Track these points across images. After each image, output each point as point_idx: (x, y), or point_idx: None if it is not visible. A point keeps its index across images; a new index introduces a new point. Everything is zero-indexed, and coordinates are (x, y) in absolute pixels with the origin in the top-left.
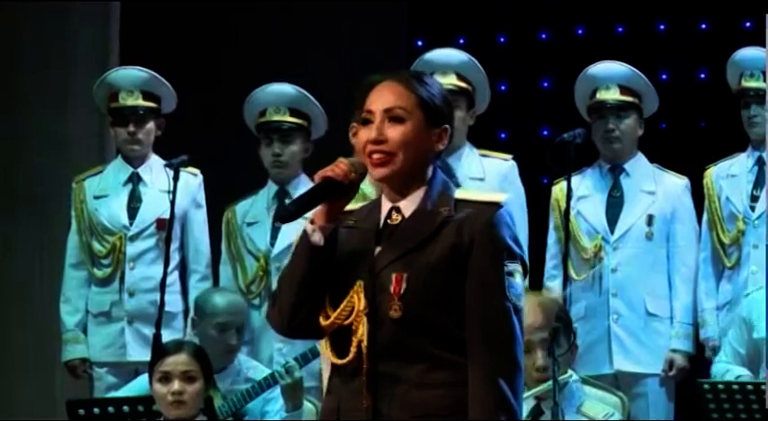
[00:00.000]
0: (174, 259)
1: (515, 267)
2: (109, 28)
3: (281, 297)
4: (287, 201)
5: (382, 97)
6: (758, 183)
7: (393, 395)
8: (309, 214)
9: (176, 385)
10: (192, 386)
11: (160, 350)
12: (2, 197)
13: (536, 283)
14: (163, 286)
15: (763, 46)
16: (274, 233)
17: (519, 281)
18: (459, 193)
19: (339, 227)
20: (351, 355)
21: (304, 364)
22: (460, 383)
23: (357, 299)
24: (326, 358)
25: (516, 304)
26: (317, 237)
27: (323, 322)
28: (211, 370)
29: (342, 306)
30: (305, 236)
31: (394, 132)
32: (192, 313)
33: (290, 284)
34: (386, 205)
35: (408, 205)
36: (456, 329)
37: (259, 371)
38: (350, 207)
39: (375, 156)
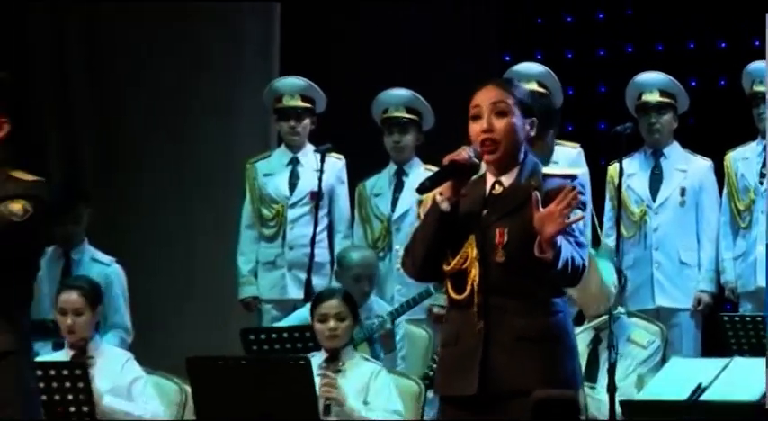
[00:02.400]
0: (323, 222)
1: (580, 213)
2: (272, 29)
3: (413, 251)
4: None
5: (488, 95)
6: (765, 164)
7: (499, 322)
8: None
9: (331, 323)
10: (343, 324)
11: (318, 297)
12: (190, 178)
13: (596, 239)
14: (313, 242)
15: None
16: (394, 202)
17: (580, 223)
18: (545, 169)
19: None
20: (467, 292)
21: (419, 301)
22: (550, 314)
23: (471, 249)
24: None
25: (578, 237)
26: (445, 205)
27: (445, 268)
28: (357, 310)
29: (459, 254)
30: (435, 204)
31: (499, 123)
32: (335, 265)
33: (422, 241)
34: (490, 179)
35: (507, 179)
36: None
37: (383, 305)
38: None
39: (486, 142)
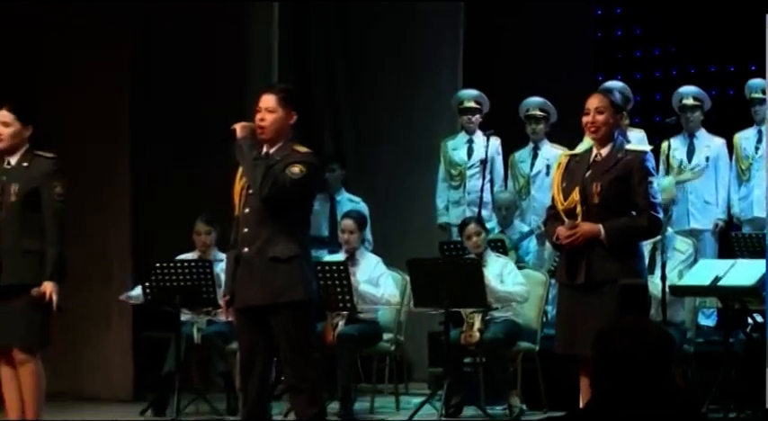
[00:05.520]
0: (487, 177)
1: (653, 179)
2: (457, 28)
3: None
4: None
5: (593, 101)
6: (759, 141)
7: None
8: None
9: (474, 239)
10: (481, 238)
11: (464, 223)
12: (409, 149)
13: None
14: (482, 189)
15: (763, 77)
16: (532, 165)
17: (655, 186)
18: (627, 146)
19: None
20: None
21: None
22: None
23: (576, 195)
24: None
25: (655, 196)
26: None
27: (559, 207)
28: (486, 226)
29: (569, 198)
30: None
31: (599, 117)
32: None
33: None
34: (594, 151)
35: (605, 151)
36: (624, 209)
37: (523, 227)
38: (576, 151)
39: (591, 128)
